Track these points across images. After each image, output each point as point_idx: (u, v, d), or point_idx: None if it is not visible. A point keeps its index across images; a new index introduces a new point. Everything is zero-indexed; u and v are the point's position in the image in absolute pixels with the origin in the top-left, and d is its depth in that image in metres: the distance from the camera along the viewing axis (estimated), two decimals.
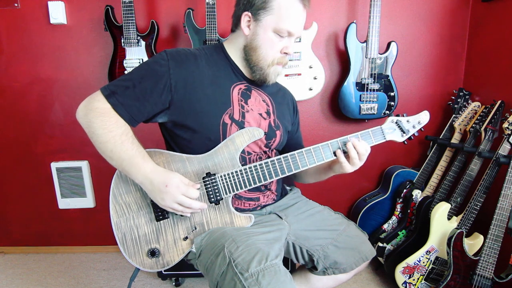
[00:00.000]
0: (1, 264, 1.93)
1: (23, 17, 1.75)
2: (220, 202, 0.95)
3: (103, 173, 1.91)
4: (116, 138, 0.87)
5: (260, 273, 0.77)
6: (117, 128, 0.88)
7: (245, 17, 0.95)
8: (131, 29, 1.60)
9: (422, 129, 1.03)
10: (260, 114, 1.02)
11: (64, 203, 1.94)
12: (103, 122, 0.87)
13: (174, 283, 1.68)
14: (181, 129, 0.96)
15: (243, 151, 0.97)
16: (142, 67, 0.93)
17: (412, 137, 1.02)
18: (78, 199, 1.93)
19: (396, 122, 1.00)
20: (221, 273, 0.82)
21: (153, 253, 0.95)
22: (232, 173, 0.94)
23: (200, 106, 0.94)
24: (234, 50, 1.01)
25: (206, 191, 0.94)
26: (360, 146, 0.93)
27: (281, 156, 0.95)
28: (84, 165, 1.89)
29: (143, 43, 1.64)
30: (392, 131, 1.00)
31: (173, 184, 0.86)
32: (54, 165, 1.88)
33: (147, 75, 0.91)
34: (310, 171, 1.10)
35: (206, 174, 0.94)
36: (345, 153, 0.94)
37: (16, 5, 1.73)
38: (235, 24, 1.00)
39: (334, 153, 0.95)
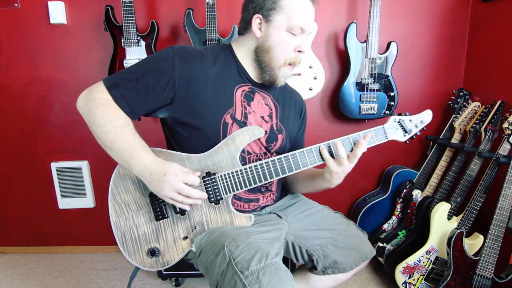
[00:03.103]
0: (1, 264, 1.93)
1: (23, 17, 1.75)
2: (220, 202, 0.95)
3: (103, 173, 1.90)
4: (117, 129, 0.87)
5: (261, 271, 0.77)
6: (118, 120, 0.88)
7: (256, 19, 0.95)
8: (131, 29, 1.60)
9: (425, 128, 1.00)
10: (262, 117, 1.02)
11: (64, 203, 1.94)
12: (104, 113, 0.87)
13: (174, 283, 1.67)
14: (181, 126, 0.96)
15: (243, 151, 0.97)
16: (147, 61, 0.93)
17: (414, 136, 1.00)
18: (78, 199, 1.93)
19: (398, 122, 0.98)
20: (221, 272, 0.81)
21: (153, 252, 0.95)
22: (232, 172, 0.94)
23: (202, 104, 0.93)
24: (243, 52, 1.01)
25: (206, 191, 0.94)
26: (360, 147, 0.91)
27: (281, 156, 0.94)
28: (84, 165, 1.88)
29: (143, 43, 1.64)
30: (394, 130, 0.98)
31: (171, 172, 0.85)
32: (54, 165, 1.88)
33: (151, 69, 0.90)
34: (304, 177, 1.10)
35: (206, 173, 0.94)
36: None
37: (16, 5, 1.73)
38: (244, 28, 1.00)
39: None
